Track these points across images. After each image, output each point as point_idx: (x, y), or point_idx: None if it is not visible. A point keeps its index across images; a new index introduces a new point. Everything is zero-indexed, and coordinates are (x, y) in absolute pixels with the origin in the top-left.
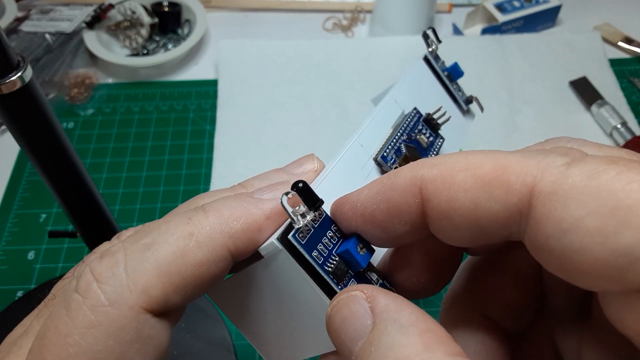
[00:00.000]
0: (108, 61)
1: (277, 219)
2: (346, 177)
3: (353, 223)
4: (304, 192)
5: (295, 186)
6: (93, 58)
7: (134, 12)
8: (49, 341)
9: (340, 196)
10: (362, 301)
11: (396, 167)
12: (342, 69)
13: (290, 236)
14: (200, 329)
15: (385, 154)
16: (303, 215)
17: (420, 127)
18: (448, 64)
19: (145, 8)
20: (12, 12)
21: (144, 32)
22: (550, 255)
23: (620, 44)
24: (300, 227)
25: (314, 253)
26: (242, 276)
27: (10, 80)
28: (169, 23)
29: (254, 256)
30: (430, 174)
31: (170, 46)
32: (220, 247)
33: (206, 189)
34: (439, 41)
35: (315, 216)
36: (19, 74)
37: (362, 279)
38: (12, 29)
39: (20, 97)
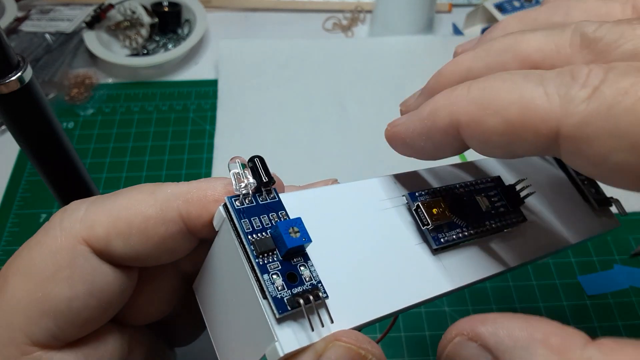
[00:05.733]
0: (108, 61)
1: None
2: (345, 202)
3: (407, 153)
4: (257, 167)
5: (251, 159)
6: (93, 58)
7: (134, 12)
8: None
9: (391, 122)
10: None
11: (417, 208)
12: (342, 69)
13: (226, 197)
14: None
15: (418, 193)
16: (246, 184)
17: (492, 192)
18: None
19: (145, 8)
20: (12, 12)
21: (144, 32)
22: (583, 169)
23: None
24: (238, 193)
25: (244, 220)
26: (206, 262)
27: (10, 80)
28: (169, 23)
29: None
30: (465, 119)
31: (170, 46)
32: (172, 209)
33: None
34: None
35: (262, 193)
36: (19, 74)
37: (292, 268)
38: (12, 29)
39: (20, 97)
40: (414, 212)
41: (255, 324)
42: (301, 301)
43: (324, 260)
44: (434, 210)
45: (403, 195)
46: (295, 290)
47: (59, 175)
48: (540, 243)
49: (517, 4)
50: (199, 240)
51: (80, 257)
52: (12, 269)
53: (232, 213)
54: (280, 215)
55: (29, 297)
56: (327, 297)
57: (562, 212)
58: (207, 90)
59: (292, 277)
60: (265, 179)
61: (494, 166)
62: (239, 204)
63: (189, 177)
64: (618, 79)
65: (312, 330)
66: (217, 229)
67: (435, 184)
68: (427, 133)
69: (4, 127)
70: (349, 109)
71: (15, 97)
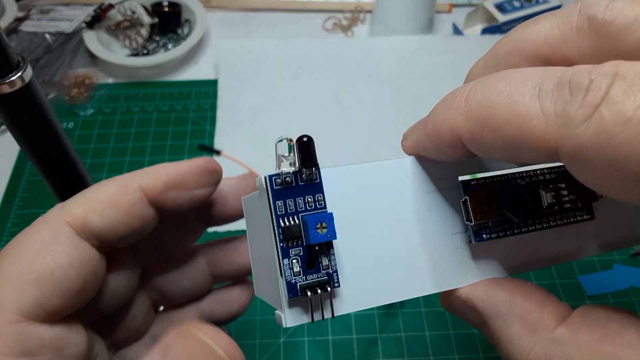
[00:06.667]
0: (108, 61)
1: (188, 171)
2: (391, 180)
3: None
4: (303, 146)
5: (299, 139)
6: (93, 58)
7: (134, 12)
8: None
9: (404, 132)
10: None
11: (465, 201)
12: (342, 69)
13: (267, 174)
14: None
15: (474, 182)
16: (290, 164)
17: (563, 184)
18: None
19: (145, 8)
20: (12, 12)
21: (144, 32)
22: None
23: None
24: (279, 173)
25: (279, 202)
26: (250, 199)
27: (10, 80)
28: (169, 23)
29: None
30: (465, 134)
31: (170, 46)
32: (132, 181)
33: None
34: None
35: (304, 174)
36: (19, 74)
37: (312, 256)
38: (12, 29)
39: (20, 97)
40: (461, 203)
41: (274, 285)
42: (309, 293)
43: (351, 240)
44: (484, 207)
45: (460, 180)
46: (310, 278)
47: (59, 176)
48: (598, 242)
49: (517, 4)
50: (157, 214)
51: (62, 235)
52: (3, 254)
53: (269, 192)
54: (317, 199)
55: (18, 271)
56: (338, 286)
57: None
58: (207, 90)
59: (310, 264)
60: (310, 162)
61: None
62: (278, 182)
63: None
64: (621, 97)
65: (312, 321)
66: (257, 187)
67: (497, 168)
68: (436, 147)
69: (4, 127)
70: (349, 109)
71: (15, 97)
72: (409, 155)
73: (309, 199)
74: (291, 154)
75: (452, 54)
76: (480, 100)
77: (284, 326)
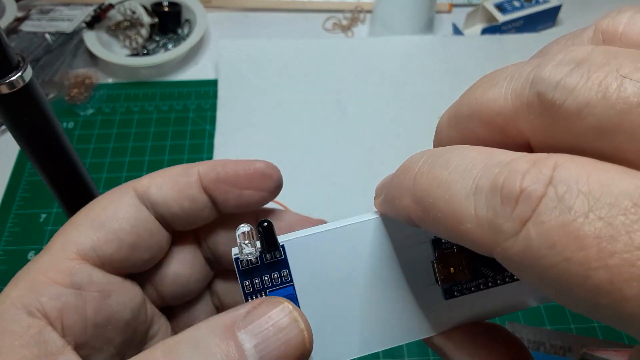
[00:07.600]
0: (108, 61)
1: (242, 170)
2: (363, 240)
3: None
4: (265, 232)
5: (260, 224)
6: (93, 58)
7: (134, 12)
8: None
9: (376, 191)
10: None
11: (432, 262)
12: (342, 69)
13: (233, 255)
14: None
15: (444, 240)
16: (250, 247)
17: None
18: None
19: (145, 8)
20: (12, 12)
21: (144, 32)
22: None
23: None
24: (242, 259)
25: (246, 282)
26: None
27: (10, 80)
28: (169, 23)
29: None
30: (414, 217)
31: (170, 46)
32: (192, 167)
33: None
34: None
35: (267, 256)
36: (19, 74)
37: None
38: (12, 29)
39: (20, 97)
40: (430, 263)
41: None
42: None
43: (321, 300)
44: (452, 269)
45: (431, 240)
46: None
47: (59, 176)
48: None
49: (517, 4)
50: (212, 205)
51: (127, 195)
52: (85, 206)
53: (237, 273)
54: (283, 274)
55: (87, 219)
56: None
57: None
58: (207, 90)
59: None
60: (271, 246)
61: None
62: (244, 265)
63: None
64: (549, 216)
65: None
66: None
67: None
68: (396, 217)
69: (4, 127)
70: (348, 109)
71: (15, 97)
72: (381, 212)
73: (275, 275)
74: (251, 240)
75: (452, 54)
76: (424, 188)
77: None
